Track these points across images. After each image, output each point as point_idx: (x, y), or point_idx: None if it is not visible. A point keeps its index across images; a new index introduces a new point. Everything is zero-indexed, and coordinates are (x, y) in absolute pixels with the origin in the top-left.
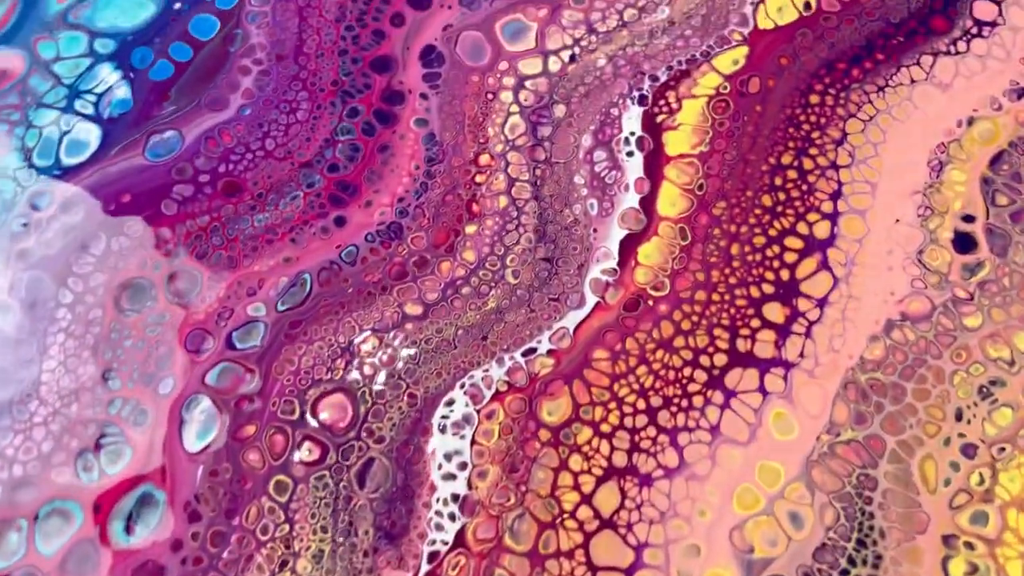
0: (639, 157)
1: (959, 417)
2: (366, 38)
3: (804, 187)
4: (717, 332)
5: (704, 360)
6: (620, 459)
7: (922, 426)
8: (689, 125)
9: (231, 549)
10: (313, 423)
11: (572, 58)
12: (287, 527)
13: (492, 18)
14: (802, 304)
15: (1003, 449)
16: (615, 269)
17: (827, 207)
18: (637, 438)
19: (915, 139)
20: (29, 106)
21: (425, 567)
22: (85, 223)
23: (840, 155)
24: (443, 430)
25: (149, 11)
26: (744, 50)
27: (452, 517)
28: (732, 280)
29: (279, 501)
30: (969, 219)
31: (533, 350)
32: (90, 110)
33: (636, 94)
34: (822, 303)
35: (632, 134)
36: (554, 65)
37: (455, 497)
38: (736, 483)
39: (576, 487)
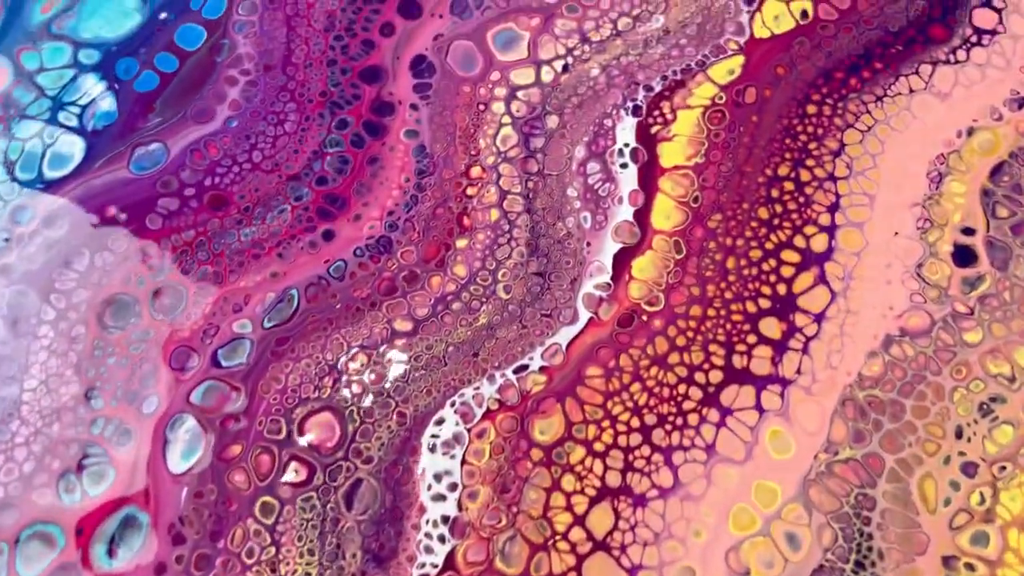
0: (633, 169)
1: (959, 435)
2: (355, 48)
3: (801, 199)
4: (713, 348)
5: (699, 377)
6: (614, 479)
7: (921, 444)
8: (684, 136)
9: (216, 573)
10: (300, 443)
11: (565, 68)
12: (273, 550)
13: (484, 27)
14: (799, 319)
15: (1004, 468)
16: (609, 284)
17: (824, 220)
18: (631, 457)
19: (914, 150)
20: (12, 118)
21: None
22: (68, 238)
23: (838, 166)
24: (433, 449)
25: (134, 21)
26: (740, 59)
27: (442, 539)
28: (728, 295)
29: (265, 523)
30: (969, 232)
31: (525, 367)
32: (74, 122)
33: (630, 105)
34: (820, 318)
35: (626, 145)
36: (547, 75)
37: (445, 519)
38: (732, 503)
39: (569, 508)
